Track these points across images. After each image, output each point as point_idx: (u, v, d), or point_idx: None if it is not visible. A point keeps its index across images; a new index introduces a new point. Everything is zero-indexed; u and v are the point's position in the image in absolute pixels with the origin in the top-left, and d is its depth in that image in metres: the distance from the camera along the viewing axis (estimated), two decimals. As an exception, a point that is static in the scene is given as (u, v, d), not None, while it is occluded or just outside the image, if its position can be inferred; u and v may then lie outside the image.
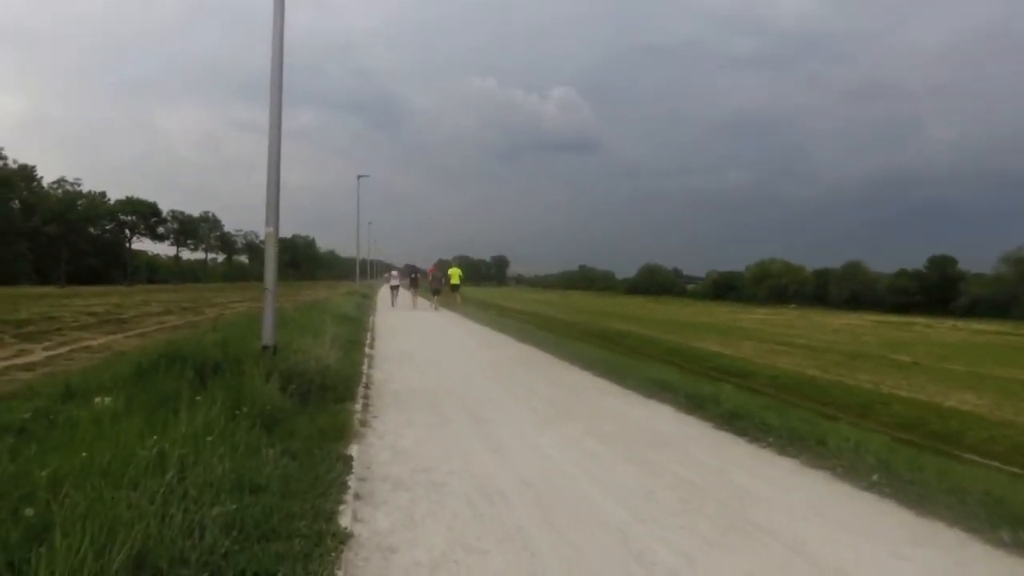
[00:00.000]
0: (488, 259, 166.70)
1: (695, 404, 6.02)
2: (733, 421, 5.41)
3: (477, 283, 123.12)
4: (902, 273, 64.54)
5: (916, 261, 66.33)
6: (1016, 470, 6.06)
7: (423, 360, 9.08)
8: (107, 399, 4.48)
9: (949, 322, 39.27)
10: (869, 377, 11.62)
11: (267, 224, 5.62)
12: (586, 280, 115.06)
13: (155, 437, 3.14)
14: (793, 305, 58.91)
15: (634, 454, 4.42)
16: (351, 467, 3.71)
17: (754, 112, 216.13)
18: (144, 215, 72.64)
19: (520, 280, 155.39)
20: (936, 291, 58.57)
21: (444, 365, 8.68)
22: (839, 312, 51.00)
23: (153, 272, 71.47)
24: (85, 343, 10.29)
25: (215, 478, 2.98)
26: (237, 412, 3.92)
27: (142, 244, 75.37)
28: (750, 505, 3.51)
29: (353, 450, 4.09)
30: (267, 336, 5.39)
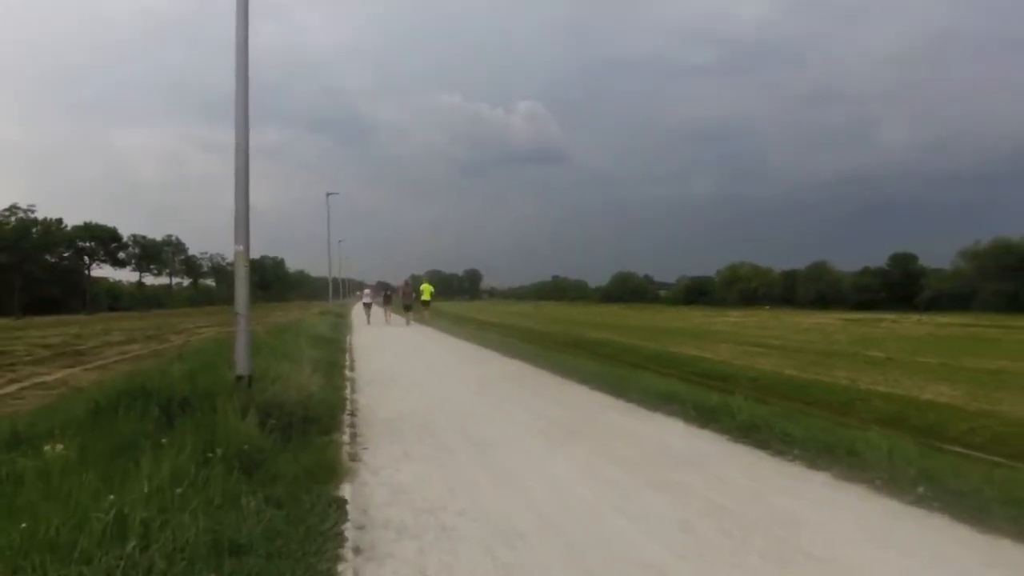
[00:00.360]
0: (460, 273, 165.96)
1: (705, 416, 5.68)
2: (750, 433, 5.08)
3: (450, 297, 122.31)
4: (865, 271, 66.32)
5: (876, 259, 68.54)
6: (1003, 460, 5.94)
7: (408, 381, 8.56)
8: (59, 446, 3.88)
9: (914, 317, 40.40)
10: (845, 374, 11.67)
11: (236, 242, 5.08)
12: (559, 291, 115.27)
13: (112, 496, 2.61)
14: (767, 307, 59.95)
15: (657, 478, 4.03)
16: (346, 513, 3.21)
17: (715, 120, 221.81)
18: (103, 240, 69.78)
19: (493, 293, 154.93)
20: (899, 287, 60.35)
21: (431, 385, 8.18)
22: (808, 311, 52.09)
23: (115, 299, 68.49)
24: (39, 378, 9.44)
25: (187, 542, 2.47)
26: (210, 455, 3.39)
27: (102, 271, 72.35)
28: (798, 531, 3.15)
29: (346, 491, 3.59)
30: (241, 365, 4.83)
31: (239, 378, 4.75)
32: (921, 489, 3.64)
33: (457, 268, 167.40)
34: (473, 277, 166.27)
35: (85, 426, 4.20)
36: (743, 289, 71.87)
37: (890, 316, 40.38)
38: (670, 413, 6.07)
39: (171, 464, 3.13)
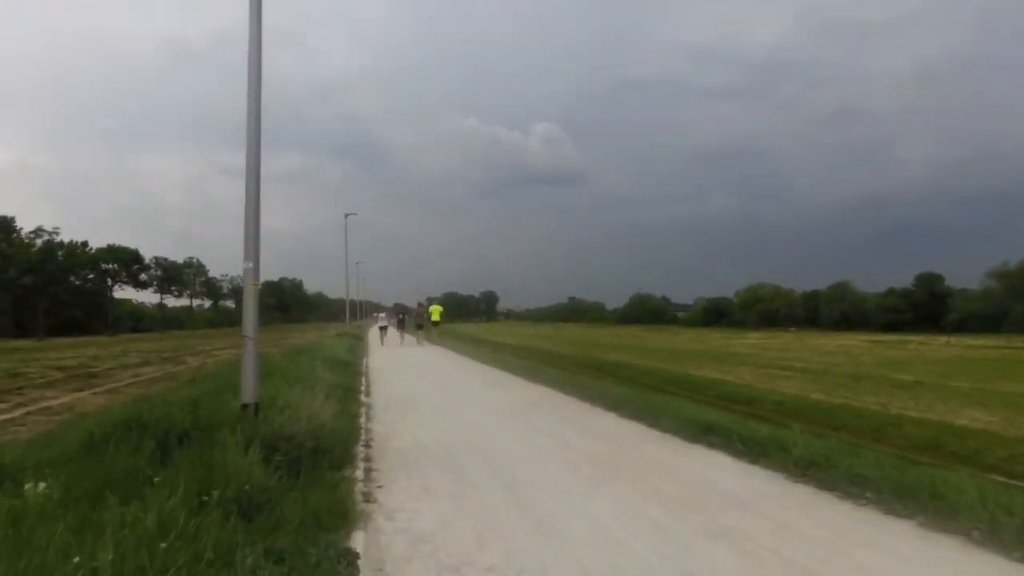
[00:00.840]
0: (477, 295, 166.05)
1: (754, 450, 5.12)
2: (809, 470, 4.52)
3: (467, 319, 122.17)
4: (891, 292, 64.57)
5: (899, 280, 66.86)
6: None
7: (428, 406, 8.09)
8: (42, 484, 3.49)
9: (942, 339, 39.05)
10: (875, 398, 11.15)
11: (245, 259, 4.73)
12: (576, 312, 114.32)
13: (77, 558, 2.18)
14: (792, 328, 58.60)
15: (713, 524, 3.50)
16: (357, 571, 2.75)
17: (733, 140, 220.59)
18: (126, 262, 70.98)
19: (510, 315, 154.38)
20: (925, 308, 58.63)
21: (452, 411, 7.70)
22: (832, 333, 50.81)
23: (137, 320, 69.32)
24: (45, 403, 9.16)
25: (166, 613, 2.03)
26: (206, 498, 2.96)
27: (125, 292, 73.44)
28: (897, 598, 2.62)
29: (358, 541, 3.13)
30: (247, 392, 4.43)
31: (245, 407, 4.34)
32: (1031, 542, 3.08)
33: (474, 290, 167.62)
34: (490, 299, 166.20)
35: (75, 460, 3.81)
36: (763, 310, 70.39)
37: (917, 338, 39.07)
38: (712, 445, 5.52)
39: (159, 510, 2.70)
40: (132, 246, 72.17)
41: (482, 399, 8.87)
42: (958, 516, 3.49)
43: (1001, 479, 5.99)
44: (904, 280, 65.27)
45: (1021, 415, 8.90)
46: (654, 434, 6.17)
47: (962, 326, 50.70)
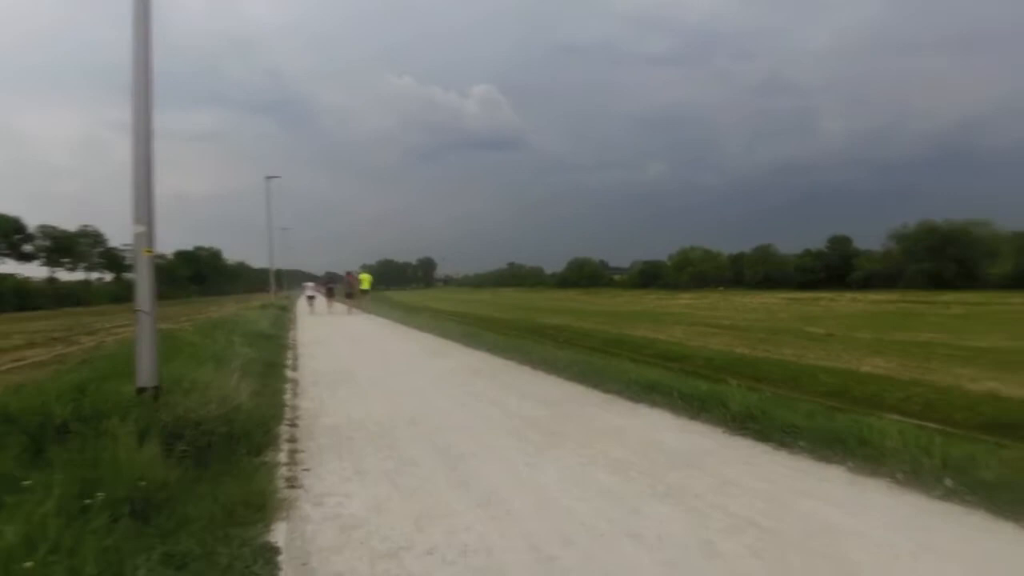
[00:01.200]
0: (414, 262, 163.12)
1: (694, 406, 5.22)
2: (747, 424, 4.63)
3: (404, 286, 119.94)
4: (807, 253, 69.20)
5: (817, 241, 71.66)
6: (944, 427, 5.95)
7: (361, 379, 7.72)
8: None
9: (848, 295, 42.40)
10: (792, 351, 12.01)
11: (136, 222, 4.13)
12: (516, 277, 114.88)
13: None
14: (720, 288, 61.74)
15: (660, 485, 3.48)
16: (277, 569, 2.47)
17: (669, 107, 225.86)
18: (5, 232, 63.67)
19: (448, 281, 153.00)
20: (836, 268, 63.37)
21: (389, 383, 7.38)
22: (755, 292, 53.99)
23: (23, 298, 62.71)
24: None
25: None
26: (90, 501, 2.55)
27: (6, 266, 66.01)
28: (835, 543, 2.67)
29: (279, 533, 2.83)
30: (144, 374, 3.91)
31: (141, 391, 3.84)
32: (949, 482, 3.26)
33: (411, 257, 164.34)
34: (427, 265, 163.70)
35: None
36: (694, 272, 73.74)
37: (828, 295, 42.20)
38: (655, 404, 5.57)
39: (27, 520, 2.28)
40: (13, 214, 64.71)
41: (420, 368, 8.60)
42: (884, 460, 3.66)
43: (897, 417, 6.49)
44: (820, 242, 70.13)
45: (912, 360, 9.81)
46: (598, 395, 6.17)
47: (866, 283, 55.32)
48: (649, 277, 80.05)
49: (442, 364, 8.85)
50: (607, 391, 6.23)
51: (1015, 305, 24.28)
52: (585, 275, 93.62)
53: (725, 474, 3.67)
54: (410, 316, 21.54)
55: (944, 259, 50.98)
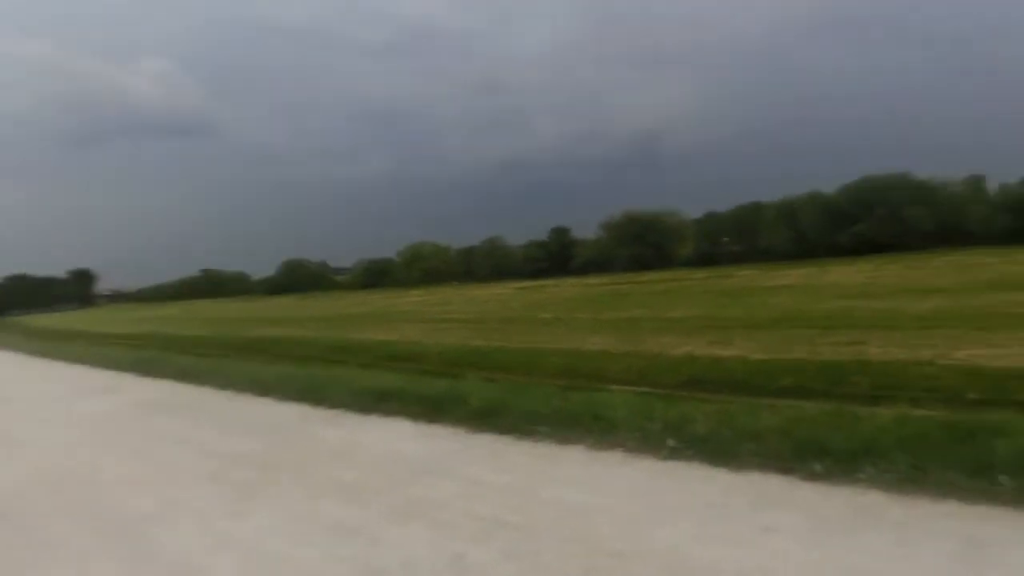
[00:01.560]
0: (64, 275, 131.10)
1: (433, 408, 5.23)
2: (489, 419, 4.83)
3: (48, 308, 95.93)
4: (532, 244, 79.21)
5: (541, 233, 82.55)
6: (661, 390, 7.53)
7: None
8: None
9: (570, 281, 49.78)
10: (524, 337, 13.43)
11: None
12: (213, 286, 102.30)
13: None
14: (453, 283, 65.60)
15: (401, 502, 3.31)
16: None
17: (389, 99, 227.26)
18: None
19: (118, 297, 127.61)
20: (558, 256, 74.16)
21: (24, 438, 5.59)
22: (486, 284, 59.10)
23: None
24: None
25: None
26: None
27: None
28: (587, 525, 2.89)
29: None
30: None
31: None
32: (672, 442, 3.89)
33: (58, 269, 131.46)
34: (83, 279, 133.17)
35: None
36: (425, 268, 77.14)
37: (553, 282, 48.80)
38: (390, 413, 5.44)
39: None
40: None
41: (73, 412, 6.81)
42: (616, 431, 4.17)
43: (620, 387, 7.74)
44: (544, 233, 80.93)
45: (625, 334, 11.87)
46: (321, 413, 5.74)
47: (583, 269, 66.08)
48: (377, 276, 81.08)
49: (106, 403, 7.18)
50: (333, 406, 5.86)
51: (697, 280, 31.61)
52: (302, 278, 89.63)
53: (470, 475, 3.70)
54: (58, 345, 17.20)
55: (644, 244, 64.33)
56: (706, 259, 58.33)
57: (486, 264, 75.96)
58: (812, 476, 3.22)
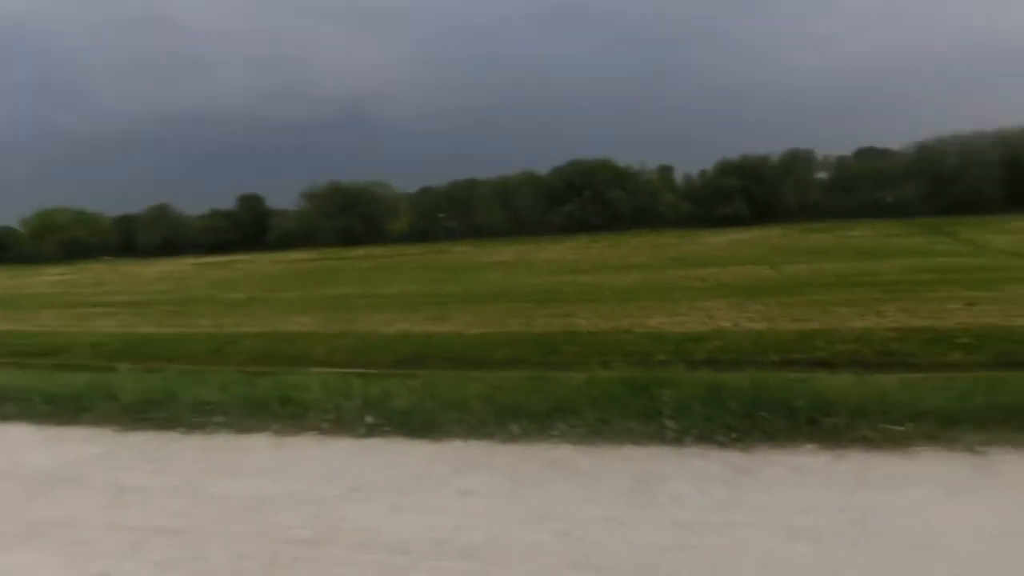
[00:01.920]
0: None
1: (71, 408, 4.50)
2: (148, 412, 4.29)
3: None
4: (215, 213, 72.12)
5: (222, 201, 75.53)
6: (374, 370, 7.83)
7: None
8: None
9: (268, 256, 47.08)
10: (210, 321, 12.65)
11: None
12: None
13: None
14: (106, 258, 57.68)
15: (18, 527, 2.75)
16: None
17: (8, 19, 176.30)
18: None
19: None
20: (249, 228, 69.12)
21: None
22: (154, 260, 52.66)
23: None
24: None
25: None
26: None
27: None
28: (271, 516, 2.78)
29: None
30: None
31: None
32: (370, 419, 3.93)
33: None
34: None
35: None
36: (64, 240, 65.55)
37: (245, 257, 45.51)
38: (8, 418, 4.58)
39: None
40: None
41: None
42: (308, 414, 4.07)
43: (326, 370, 7.60)
44: (228, 201, 74.08)
45: (336, 313, 11.86)
46: None
47: (282, 242, 62.74)
48: (-7, 248, 66.37)
49: None
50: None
51: (411, 256, 32.62)
52: None
53: (116, 481, 3.32)
54: None
55: (353, 217, 63.83)
56: (421, 235, 60.82)
57: (153, 236, 67.41)
58: (511, 438, 3.59)
